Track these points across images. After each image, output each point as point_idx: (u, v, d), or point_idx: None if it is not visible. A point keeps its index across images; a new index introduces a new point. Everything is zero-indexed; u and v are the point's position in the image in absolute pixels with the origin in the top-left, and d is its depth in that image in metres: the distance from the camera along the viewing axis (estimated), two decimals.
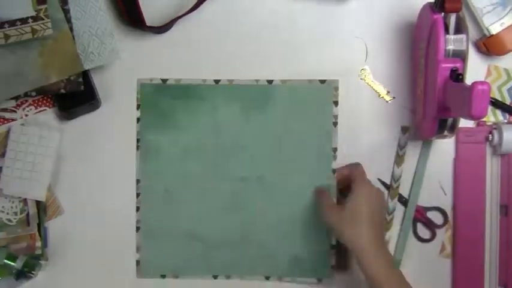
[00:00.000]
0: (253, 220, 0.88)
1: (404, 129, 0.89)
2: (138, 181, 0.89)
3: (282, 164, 0.88)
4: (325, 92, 0.89)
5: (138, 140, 0.88)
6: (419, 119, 0.85)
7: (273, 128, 0.88)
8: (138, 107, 0.88)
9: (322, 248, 0.88)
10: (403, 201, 0.89)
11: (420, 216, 0.89)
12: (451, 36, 0.76)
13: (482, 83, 0.66)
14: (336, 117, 0.88)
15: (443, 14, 0.77)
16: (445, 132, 0.80)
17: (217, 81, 0.89)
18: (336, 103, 0.88)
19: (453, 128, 0.80)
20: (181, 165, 0.88)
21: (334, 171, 0.87)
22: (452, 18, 0.77)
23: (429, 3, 0.81)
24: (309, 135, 0.88)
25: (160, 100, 0.88)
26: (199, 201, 0.88)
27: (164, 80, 0.89)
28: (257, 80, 0.89)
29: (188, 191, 0.88)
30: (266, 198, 0.88)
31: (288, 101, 0.88)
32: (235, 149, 0.88)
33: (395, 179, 0.89)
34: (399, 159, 0.89)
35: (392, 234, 0.89)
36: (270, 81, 0.89)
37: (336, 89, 0.89)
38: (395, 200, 0.88)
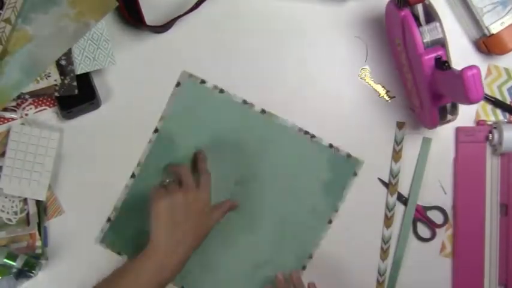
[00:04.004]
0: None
1: (399, 125, 0.89)
2: (138, 164, 0.89)
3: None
4: None
5: (156, 130, 0.89)
6: (418, 112, 0.85)
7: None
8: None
9: None
10: (403, 201, 0.89)
11: (420, 215, 0.89)
12: (425, 28, 0.76)
13: (470, 68, 0.66)
14: None
15: (409, 7, 0.76)
16: (448, 117, 0.80)
17: (261, 109, 0.89)
18: None
19: (454, 110, 0.80)
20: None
21: None
22: (420, 8, 0.76)
23: (392, 1, 0.80)
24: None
25: (194, 99, 0.89)
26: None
27: (203, 81, 0.89)
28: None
29: None
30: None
31: None
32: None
33: (393, 175, 0.89)
34: (396, 155, 0.89)
35: (393, 233, 0.89)
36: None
37: None
38: (395, 196, 0.89)
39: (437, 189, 0.89)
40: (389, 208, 0.89)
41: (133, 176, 0.88)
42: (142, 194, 0.88)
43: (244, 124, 0.89)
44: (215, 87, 0.88)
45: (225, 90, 0.89)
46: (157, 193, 0.79)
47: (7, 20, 0.81)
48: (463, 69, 0.66)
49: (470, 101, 0.66)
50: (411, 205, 0.89)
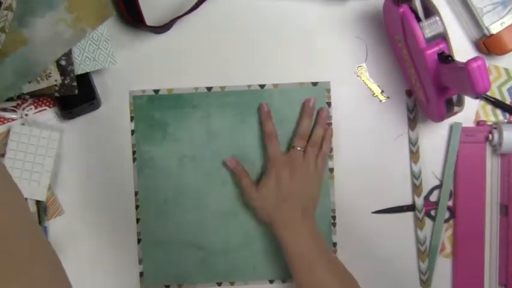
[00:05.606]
0: (253, 224, 0.88)
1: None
2: (136, 193, 0.89)
3: None
4: (317, 94, 0.88)
5: (133, 153, 0.88)
6: (424, 106, 0.85)
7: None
8: (132, 119, 0.88)
9: None
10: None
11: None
12: (425, 22, 0.76)
13: (475, 59, 0.65)
14: (329, 118, 0.89)
15: (407, 3, 0.76)
16: (455, 109, 0.80)
17: (209, 89, 0.88)
18: (329, 104, 0.88)
19: (460, 102, 0.80)
20: (179, 175, 0.88)
21: (331, 170, 0.88)
22: (418, 3, 0.76)
23: None
24: None
25: (153, 111, 0.88)
26: (198, 209, 0.88)
27: (156, 91, 0.88)
28: (249, 86, 0.89)
29: (187, 200, 0.88)
30: None
31: (281, 104, 0.88)
32: (231, 155, 0.88)
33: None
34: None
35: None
36: (262, 86, 0.89)
37: (328, 90, 0.88)
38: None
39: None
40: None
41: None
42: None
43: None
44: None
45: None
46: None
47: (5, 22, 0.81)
48: (467, 61, 0.65)
49: (476, 93, 0.66)
50: (445, 192, 0.88)
